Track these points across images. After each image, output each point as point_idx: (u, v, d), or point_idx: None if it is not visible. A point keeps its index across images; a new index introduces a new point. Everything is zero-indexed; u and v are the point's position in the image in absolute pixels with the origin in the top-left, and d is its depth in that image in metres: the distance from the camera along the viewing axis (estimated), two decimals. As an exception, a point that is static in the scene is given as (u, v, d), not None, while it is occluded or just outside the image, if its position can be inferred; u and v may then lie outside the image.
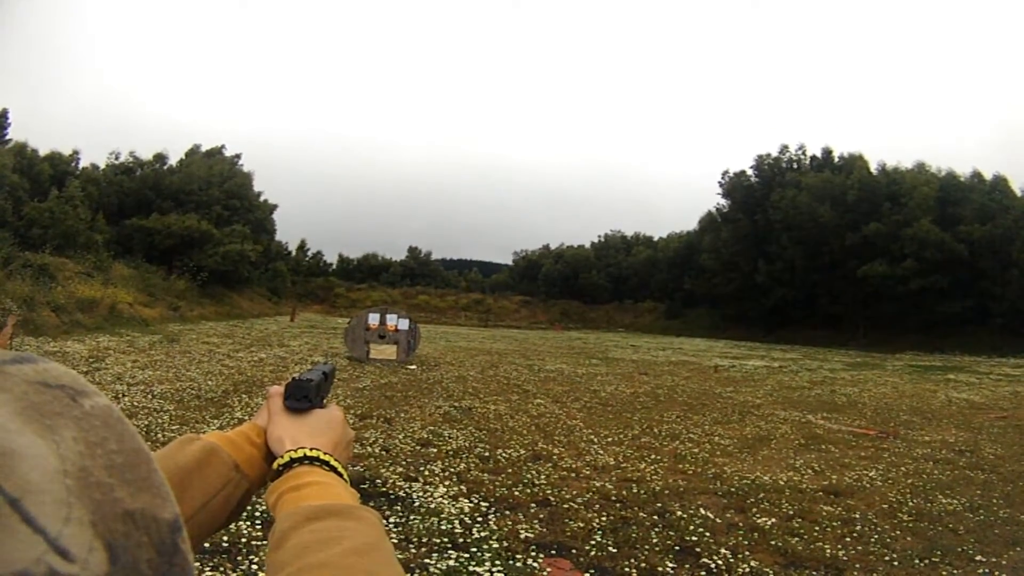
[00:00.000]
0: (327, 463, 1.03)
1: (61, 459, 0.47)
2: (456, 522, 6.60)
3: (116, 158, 57.62)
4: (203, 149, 64.05)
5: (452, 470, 8.64)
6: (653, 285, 78.90)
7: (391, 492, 7.59)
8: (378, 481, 7.94)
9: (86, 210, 39.74)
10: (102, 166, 56.61)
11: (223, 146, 65.38)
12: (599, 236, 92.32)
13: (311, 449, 1.04)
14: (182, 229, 48.15)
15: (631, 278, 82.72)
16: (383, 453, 9.31)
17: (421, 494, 7.51)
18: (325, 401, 1.23)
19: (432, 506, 7.08)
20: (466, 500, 7.40)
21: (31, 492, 0.44)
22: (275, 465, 1.04)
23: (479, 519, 6.79)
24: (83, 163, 54.79)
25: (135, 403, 11.48)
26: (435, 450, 9.70)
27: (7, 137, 48.48)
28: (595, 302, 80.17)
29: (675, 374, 23.18)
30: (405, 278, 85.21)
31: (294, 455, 1.03)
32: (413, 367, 20.40)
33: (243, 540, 5.73)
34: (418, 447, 9.84)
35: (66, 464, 0.47)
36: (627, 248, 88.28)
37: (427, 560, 5.65)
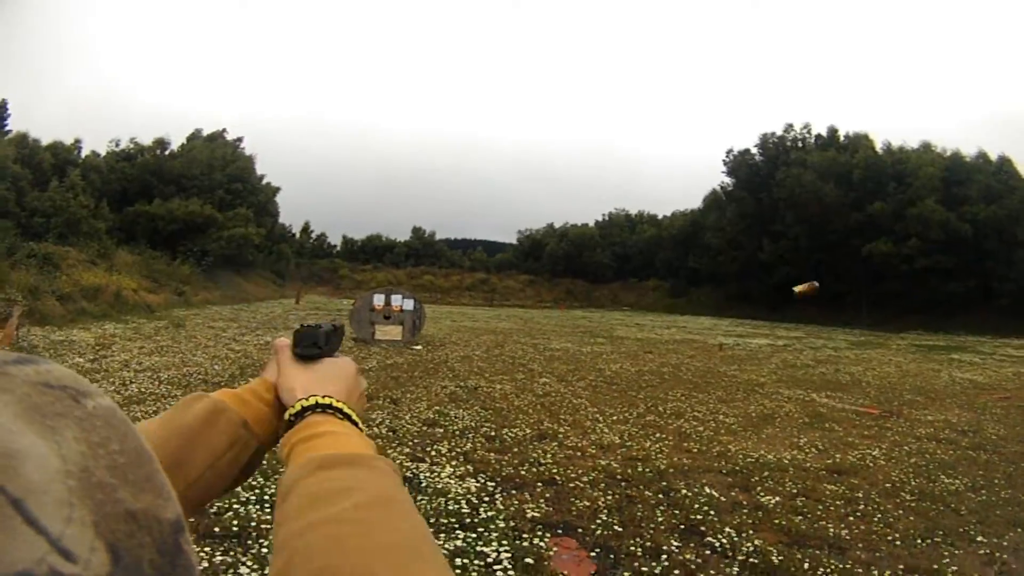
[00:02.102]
0: (341, 411, 0.99)
1: (63, 460, 0.47)
2: (463, 502, 6.65)
3: (117, 145, 57.40)
4: (204, 134, 63.86)
5: (458, 450, 8.69)
6: (658, 264, 78.59)
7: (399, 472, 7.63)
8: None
9: (88, 198, 39.65)
10: (103, 153, 56.43)
11: (224, 130, 65.26)
12: (603, 215, 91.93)
13: (323, 396, 1.00)
14: (185, 214, 48.12)
15: (636, 257, 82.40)
16: (389, 434, 9.36)
17: (428, 474, 7.56)
18: (336, 354, 1.21)
19: (439, 486, 7.13)
20: (473, 480, 7.45)
21: (33, 493, 0.44)
22: (286, 415, 1.01)
23: (485, 499, 6.84)
24: (84, 151, 54.44)
25: (143, 389, 11.51)
26: (441, 430, 9.75)
27: (7, 128, 48.33)
28: (600, 281, 79.93)
29: (680, 353, 23.18)
30: (410, 258, 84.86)
31: (306, 403, 0.99)
32: (418, 347, 20.43)
33: (252, 524, 5.77)
34: (424, 427, 9.88)
35: (68, 465, 0.47)
36: (632, 227, 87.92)
37: (436, 540, 5.68)
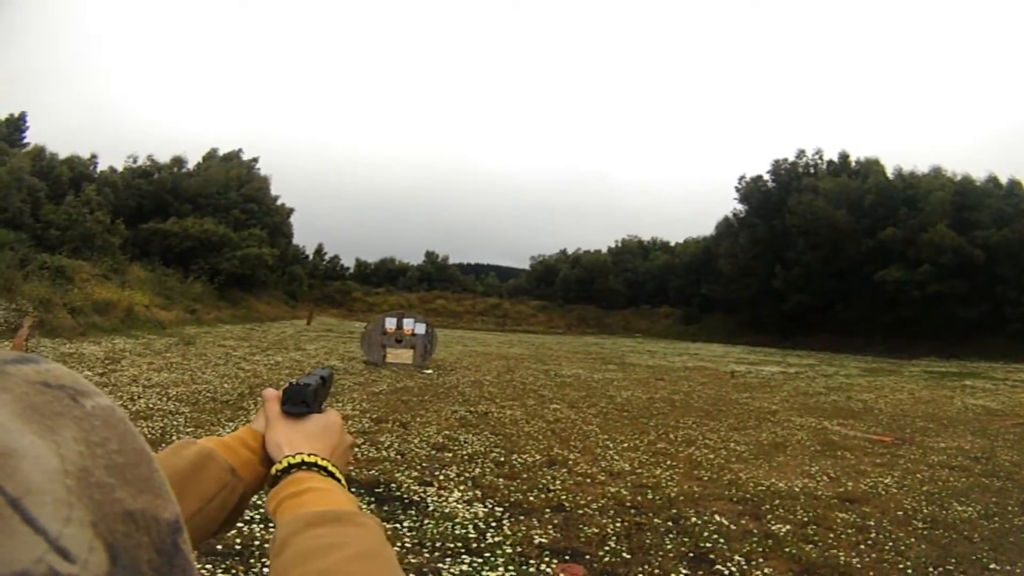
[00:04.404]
0: (325, 468, 1.03)
1: (62, 459, 0.47)
2: (470, 527, 6.63)
3: (134, 162, 57.76)
4: (220, 153, 64.25)
5: (467, 475, 8.65)
6: (670, 290, 78.28)
7: (405, 496, 7.62)
8: (393, 485, 7.97)
9: (103, 213, 39.81)
10: (120, 169, 56.75)
11: (240, 150, 65.57)
12: (616, 241, 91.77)
13: (309, 455, 1.04)
14: (199, 232, 48.12)
15: (648, 283, 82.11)
16: (398, 457, 9.33)
17: (435, 499, 7.54)
18: (324, 406, 1.23)
19: (446, 511, 7.10)
20: (480, 505, 7.41)
21: (32, 492, 0.44)
22: (273, 470, 1.04)
23: (493, 524, 6.80)
24: (101, 167, 54.85)
25: (150, 405, 11.55)
26: (450, 455, 9.71)
27: (25, 140, 48.77)
28: (612, 307, 79.59)
29: (691, 380, 23.03)
30: (422, 282, 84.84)
31: (292, 460, 1.03)
32: (429, 371, 20.34)
33: (255, 543, 5.78)
34: (433, 452, 9.85)
35: (67, 464, 0.47)
36: (644, 253, 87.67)
37: (441, 564, 5.67)
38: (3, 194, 34.05)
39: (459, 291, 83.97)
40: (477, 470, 8.92)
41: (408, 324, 21.68)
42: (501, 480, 8.51)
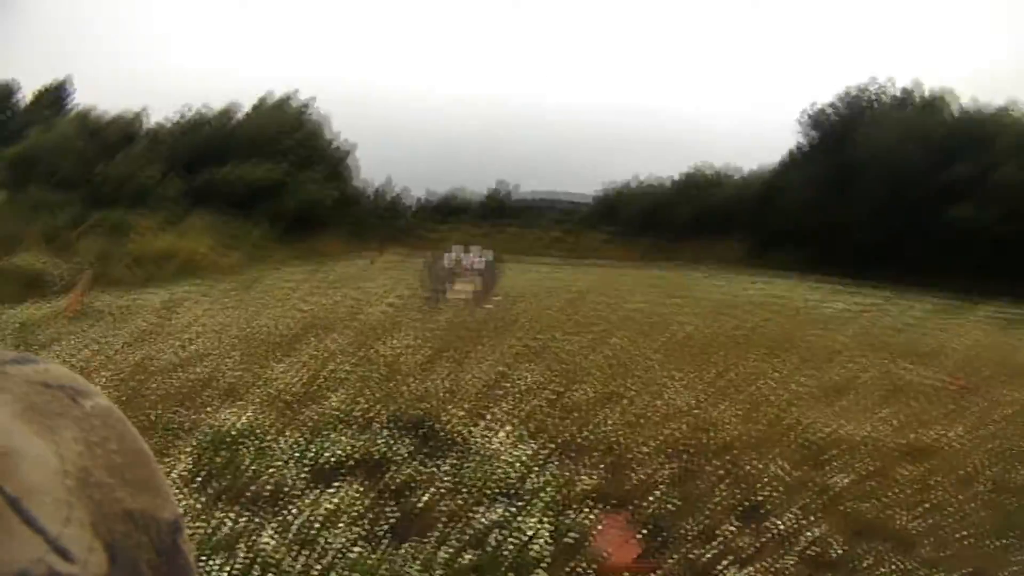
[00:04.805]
0: None
1: (61, 459, 0.48)
2: (512, 469, 6.44)
3: (186, 113, 57.38)
4: (275, 96, 63.85)
5: (519, 411, 8.45)
6: (737, 222, 76.49)
7: (450, 435, 7.46)
8: (439, 424, 7.81)
9: (157, 166, 40.03)
10: (171, 122, 56.66)
11: (296, 91, 64.92)
12: (684, 170, 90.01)
13: None
14: (257, 178, 48.19)
15: (715, 215, 79.72)
16: (449, 393, 9.14)
17: (481, 438, 7.37)
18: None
19: (490, 451, 6.92)
20: (528, 445, 7.21)
21: (31, 492, 0.45)
22: None
23: (537, 467, 6.62)
24: (152, 121, 54.61)
25: (204, 347, 11.49)
26: (503, 390, 9.49)
27: (72, 103, 48.99)
28: (679, 239, 77.35)
29: (757, 314, 22.02)
30: (487, 216, 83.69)
31: None
32: (491, 306, 20.06)
33: (287, 487, 5.69)
34: (486, 387, 9.62)
35: (66, 464, 0.48)
36: (712, 183, 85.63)
37: (474, 511, 5.50)
38: (53, 158, 34.27)
39: (526, 223, 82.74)
40: (529, 406, 8.69)
41: (470, 258, 21.66)
42: (553, 417, 8.31)
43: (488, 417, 8.05)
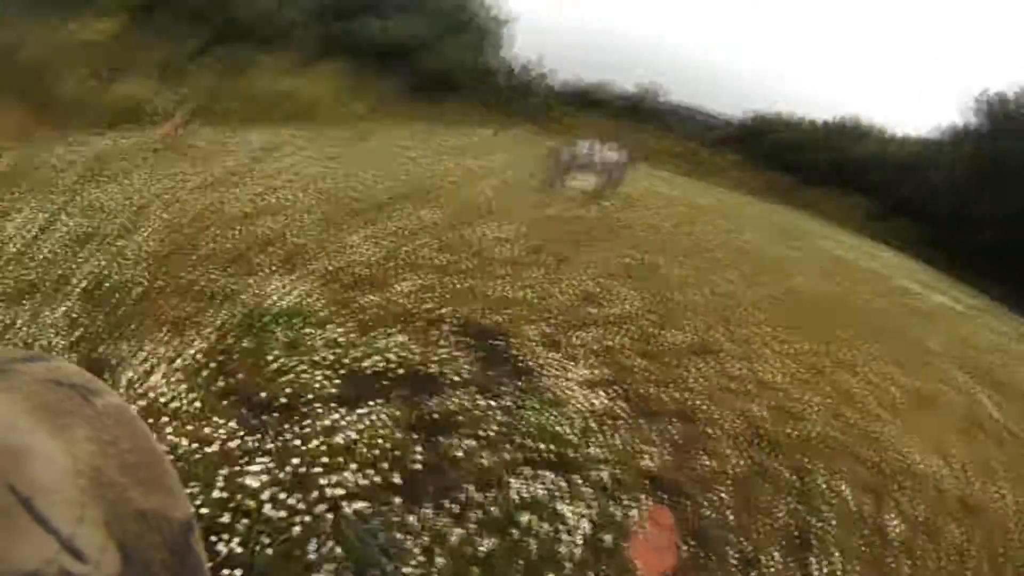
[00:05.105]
0: None
1: (73, 458, 0.48)
2: (574, 425, 5.56)
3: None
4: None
5: (604, 343, 7.55)
6: (869, 181, 73.69)
7: (519, 360, 6.36)
8: (513, 340, 6.73)
9: (297, 9, 39.24)
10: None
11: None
12: (829, 117, 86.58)
13: None
14: (402, 33, 46.78)
15: (850, 167, 77.16)
16: (537, 301, 8.37)
17: (554, 372, 6.37)
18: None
19: (557, 394, 6.01)
20: (601, 394, 6.11)
21: (43, 492, 0.44)
22: None
23: (603, 429, 5.67)
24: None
25: (281, 201, 10.76)
26: (595, 310, 8.68)
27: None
28: (807, 182, 75.67)
29: (867, 283, 20.73)
30: (625, 112, 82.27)
31: None
32: (608, 204, 18.83)
33: (306, 400, 5.07)
34: (578, 302, 8.82)
35: (79, 464, 0.48)
36: (856, 136, 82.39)
37: (512, 477, 4.66)
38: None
39: (660, 128, 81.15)
40: (617, 339, 7.80)
41: (601, 150, 20.26)
42: (640, 360, 7.37)
43: (565, 347, 7.08)
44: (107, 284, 6.27)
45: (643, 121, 77.13)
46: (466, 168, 19.56)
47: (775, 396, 7.68)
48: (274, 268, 7.58)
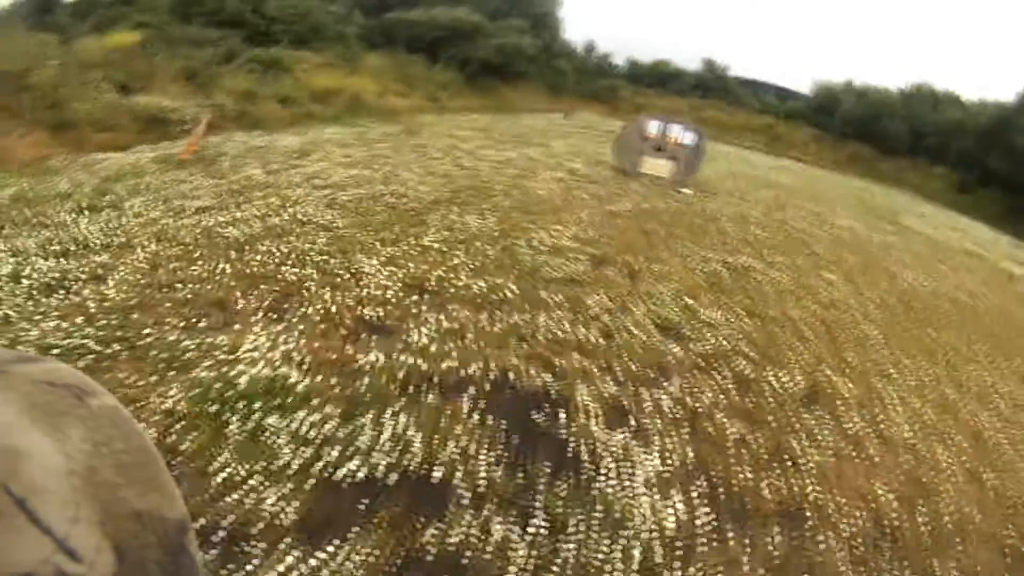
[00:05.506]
0: None
1: (68, 459, 0.47)
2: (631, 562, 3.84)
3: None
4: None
5: (687, 405, 5.77)
6: (951, 151, 70.63)
7: (572, 441, 4.65)
8: (563, 412, 5.02)
9: (340, 4, 37.96)
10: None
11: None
12: (906, 84, 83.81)
13: None
14: (450, 20, 45.77)
15: (931, 137, 74.35)
16: (600, 342, 6.63)
17: (616, 466, 4.64)
18: None
19: (619, 501, 4.35)
20: (677, 498, 4.43)
21: (38, 492, 0.44)
22: None
23: (674, 559, 3.94)
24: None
25: (302, 213, 9.30)
26: (677, 347, 6.92)
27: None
28: (887, 153, 73.19)
29: (972, 272, 18.19)
30: (696, 89, 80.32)
31: None
32: (687, 191, 17.30)
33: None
34: (656, 339, 7.04)
35: (73, 464, 0.47)
36: (934, 103, 79.44)
37: None
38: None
39: (733, 104, 79.26)
40: (706, 394, 6.02)
41: (675, 131, 18.40)
42: (733, 428, 5.57)
43: (635, 416, 5.35)
44: (54, 352, 4.84)
45: (713, 97, 75.84)
46: (528, 158, 17.96)
47: (902, 462, 5.87)
48: (259, 315, 5.99)
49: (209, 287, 6.42)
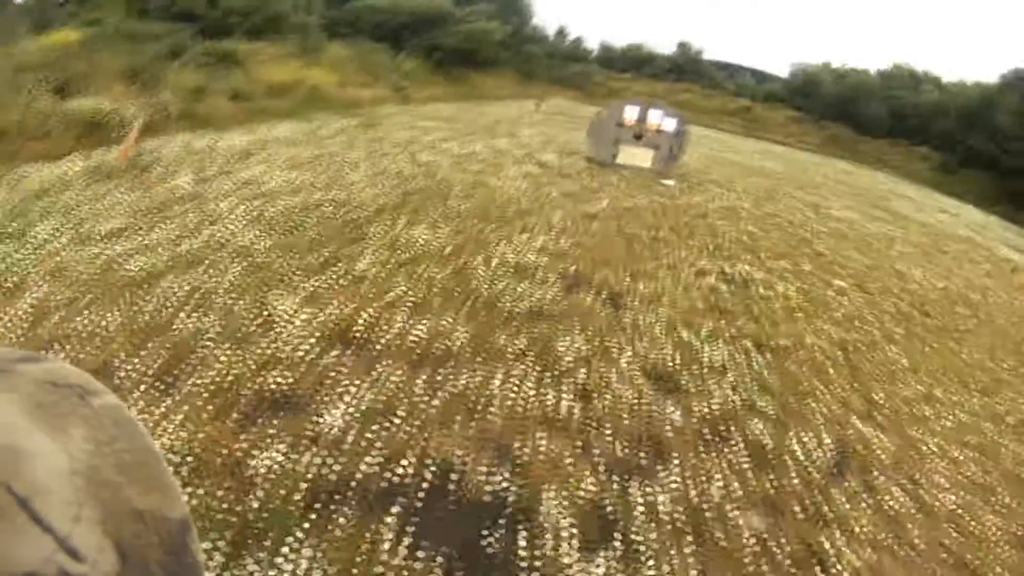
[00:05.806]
0: None
1: (70, 458, 0.47)
2: None
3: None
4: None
5: (689, 501, 4.58)
6: (933, 132, 70.87)
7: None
8: (525, 524, 4.05)
9: (296, -6, 36.84)
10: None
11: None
12: (885, 65, 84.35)
13: None
14: (416, 7, 44.96)
15: (911, 118, 74.67)
16: (576, 409, 5.44)
17: None
18: None
19: None
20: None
21: (40, 492, 0.44)
22: None
23: None
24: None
25: (219, 235, 7.99)
26: (674, 408, 5.75)
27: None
28: (868, 134, 73.46)
29: (974, 263, 17.35)
30: (670, 73, 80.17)
31: None
32: (670, 183, 16.24)
33: None
34: (647, 398, 5.84)
35: (75, 463, 0.47)
36: (914, 84, 79.86)
37: None
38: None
39: (709, 87, 79.10)
40: (718, 478, 4.86)
41: (654, 117, 17.29)
42: (755, 526, 4.43)
43: (623, 527, 4.23)
44: None
45: (688, 81, 75.96)
46: (495, 151, 16.84)
47: (949, 544, 4.77)
48: (143, 387, 4.74)
49: (90, 348, 5.17)
